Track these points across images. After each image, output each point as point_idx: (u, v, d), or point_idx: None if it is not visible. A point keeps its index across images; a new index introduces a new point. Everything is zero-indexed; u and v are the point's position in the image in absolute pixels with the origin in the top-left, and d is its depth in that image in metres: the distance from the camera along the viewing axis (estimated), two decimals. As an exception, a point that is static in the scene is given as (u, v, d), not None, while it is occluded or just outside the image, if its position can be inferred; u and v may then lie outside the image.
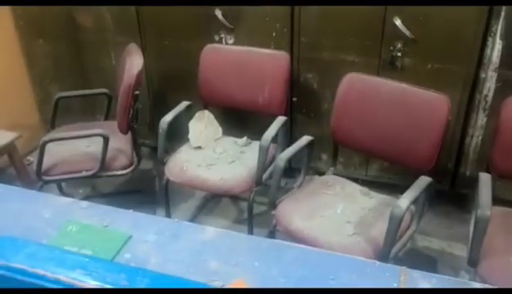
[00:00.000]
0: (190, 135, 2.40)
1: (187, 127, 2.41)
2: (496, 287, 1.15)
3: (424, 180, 1.74)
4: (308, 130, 2.43)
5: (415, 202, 1.70)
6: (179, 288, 0.79)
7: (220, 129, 2.50)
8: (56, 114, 2.58)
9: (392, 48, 2.26)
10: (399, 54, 2.26)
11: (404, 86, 1.91)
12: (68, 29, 2.85)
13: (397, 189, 1.86)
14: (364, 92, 1.99)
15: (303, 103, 2.58)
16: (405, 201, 1.62)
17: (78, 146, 2.35)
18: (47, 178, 2.24)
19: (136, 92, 2.21)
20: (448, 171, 2.45)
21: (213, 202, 2.76)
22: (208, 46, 2.45)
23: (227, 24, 2.48)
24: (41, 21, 2.91)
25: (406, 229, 1.79)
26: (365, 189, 2.03)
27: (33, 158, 2.86)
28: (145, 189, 2.87)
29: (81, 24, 2.81)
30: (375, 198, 1.98)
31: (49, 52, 3.00)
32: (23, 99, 3.16)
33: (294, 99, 2.57)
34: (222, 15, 2.47)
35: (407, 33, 2.18)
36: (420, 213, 1.81)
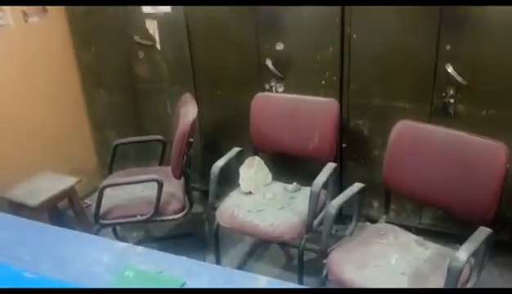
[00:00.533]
0: (241, 181, 2.44)
1: (238, 173, 2.45)
2: None
3: (483, 231, 1.67)
4: (358, 176, 2.41)
5: (474, 254, 1.62)
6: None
7: (270, 175, 2.53)
8: (113, 160, 2.71)
9: (444, 94, 2.24)
10: (451, 100, 2.23)
11: (458, 133, 1.88)
12: (127, 79, 3.03)
13: (453, 239, 1.80)
14: (416, 140, 1.97)
15: (353, 149, 2.57)
16: (464, 253, 1.55)
17: (133, 191, 2.44)
18: (104, 222, 2.32)
19: (191, 140, 2.29)
20: (508, 220, 2.33)
21: (262, 248, 2.76)
22: (259, 95, 2.52)
23: (277, 73, 2.55)
24: (102, 72, 3.12)
25: (466, 283, 1.71)
26: (420, 239, 1.96)
27: (90, 202, 2.99)
28: (195, 232, 2.91)
29: (139, 75, 2.98)
30: (431, 249, 1.91)
31: (108, 101, 3.18)
32: (83, 144, 3.34)
33: (344, 145, 2.57)
34: (273, 64, 2.55)
35: (459, 79, 2.16)
36: (480, 266, 1.73)
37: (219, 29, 2.63)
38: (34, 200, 2.54)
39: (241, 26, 2.55)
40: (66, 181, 2.74)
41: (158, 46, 2.84)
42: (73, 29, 3.09)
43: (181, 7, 2.65)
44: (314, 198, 2.07)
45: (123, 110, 3.16)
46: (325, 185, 2.16)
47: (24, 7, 2.84)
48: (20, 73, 2.84)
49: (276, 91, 2.61)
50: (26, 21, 2.87)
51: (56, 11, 3.01)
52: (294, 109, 2.44)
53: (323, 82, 2.48)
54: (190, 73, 2.82)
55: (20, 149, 2.85)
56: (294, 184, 2.44)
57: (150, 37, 2.82)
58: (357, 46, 2.34)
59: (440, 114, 2.27)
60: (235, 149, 2.47)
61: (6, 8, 2.74)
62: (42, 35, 2.95)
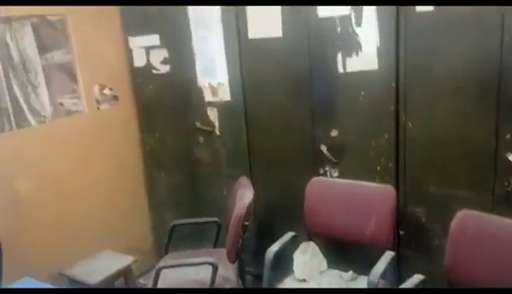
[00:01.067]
0: (295, 267, 2.40)
1: (292, 258, 2.43)
2: None
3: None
4: (418, 266, 2.31)
5: None
6: None
7: (325, 261, 2.48)
8: (170, 240, 2.76)
9: (506, 183, 2.18)
10: (515, 189, 2.16)
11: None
12: (186, 163, 3.18)
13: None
14: (480, 231, 1.90)
15: (411, 237, 2.50)
16: None
17: (187, 273, 2.46)
18: (159, 303, 2.34)
19: (246, 223, 2.32)
20: None
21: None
22: (314, 179, 2.55)
23: (332, 158, 2.60)
24: (164, 156, 3.29)
25: None
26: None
27: (145, 281, 3.03)
28: (246, 319, 2.84)
29: (198, 158, 3.12)
30: None
31: (168, 182, 3.32)
32: (141, 224, 3.45)
33: (401, 232, 2.50)
34: (327, 149, 2.60)
35: (523, 168, 2.10)
36: None
37: (276, 116, 2.74)
38: (93, 279, 2.62)
39: (297, 112, 2.66)
40: (123, 261, 2.82)
41: (217, 131, 2.99)
42: (139, 116, 3.33)
43: (241, 96, 2.82)
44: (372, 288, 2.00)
45: (181, 192, 3.28)
46: (383, 275, 2.09)
47: (98, 95, 3.13)
48: (86, 153, 3.05)
49: (331, 176, 2.64)
50: (98, 108, 3.14)
51: (126, 99, 3.28)
52: (350, 194, 2.44)
53: (378, 168, 2.49)
54: (246, 157, 2.92)
55: (80, 227, 2.99)
56: (350, 272, 2.37)
57: (211, 124, 2.99)
58: (413, 133, 2.36)
59: (503, 204, 2.19)
60: (290, 234, 2.47)
61: (82, 95, 3.02)
62: (111, 120, 3.19)
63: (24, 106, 2.74)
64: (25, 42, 2.72)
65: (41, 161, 2.79)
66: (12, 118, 2.68)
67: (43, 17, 2.87)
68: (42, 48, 2.83)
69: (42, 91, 2.83)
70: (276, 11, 2.55)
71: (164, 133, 3.25)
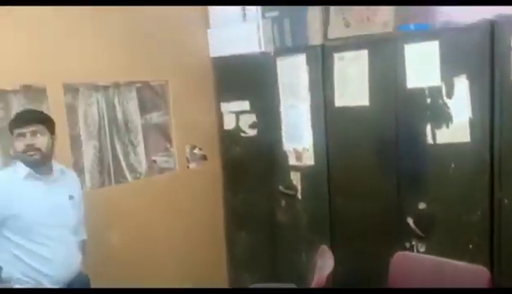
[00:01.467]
0: None
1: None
2: None
3: None
4: None
5: None
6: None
7: (408, 343, 2.31)
8: (247, 304, 2.76)
9: None
10: None
11: None
12: (267, 225, 3.21)
13: None
14: None
15: (508, 326, 2.26)
16: None
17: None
18: None
19: None
20: None
21: None
22: (399, 254, 2.43)
23: (419, 232, 2.48)
24: (246, 217, 3.35)
25: None
26: None
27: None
28: None
29: (279, 222, 3.14)
30: None
31: (248, 243, 3.36)
32: (218, 282, 3.48)
33: (497, 320, 2.28)
34: (414, 222, 2.50)
35: None
36: None
37: (360, 184, 2.71)
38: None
39: (382, 182, 2.61)
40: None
41: (299, 196, 3.00)
42: (225, 176, 3.46)
43: (325, 162, 2.83)
44: None
45: (260, 253, 3.29)
46: None
47: (188, 155, 3.31)
48: (175, 208, 3.19)
49: (418, 251, 2.51)
50: (188, 167, 3.32)
51: (214, 160, 3.44)
52: (438, 273, 2.29)
53: (470, 247, 2.33)
54: (327, 223, 2.88)
55: (161, 276, 3.08)
56: None
57: (293, 188, 3.02)
58: (510, 210, 2.20)
59: None
60: (371, 309, 2.35)
61: (175, 154, 3.22)
62: (198, 179, 3.34)
63: (124, 163, 2.98)
64: (130, 105, 3.00)
65: (134, 213, 2.96)
66: (112, 173, 2.92)
67: (147, 83, 3.17)
68: (143, 110, 3.10)
69: (141, 149, 3.07)
70: (363, 80, 2.59)
71: (248, 194, 3.33)
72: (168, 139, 3.47)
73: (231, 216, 3.47)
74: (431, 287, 2.11)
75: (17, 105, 2.47)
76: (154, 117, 3.32)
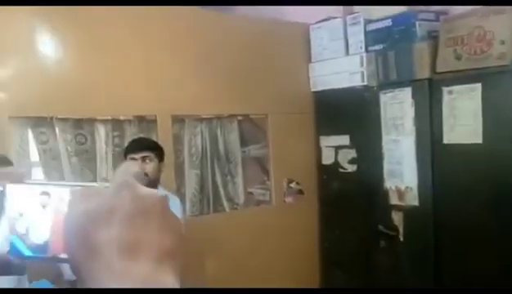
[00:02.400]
0: None
1: None
2: None
3: None
4: None
5: None
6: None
7: None
8: None
9: None
10: None
11: None
12: (364, 265, 3.05)
13: None
14: None
15: None
16: None
17: None
18: None
19: None
20: None
21: None
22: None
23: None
24: (341, 254, 3.22)
25: None
26: None
27: None
28: None
29: (377, 263, 2.97)
30: None
31: (343, 282, 3.20)
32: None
33: None
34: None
35: None
36: None
37: (472, 230, 2.47)
38: None
39: (500, 231, 2.35)
40: None
41: (401, 237, 2.82)
42: (322, 212, 3.38)
43: (430, 203, 2.64)
44: None
45: None
46: None
47: (285, 188, 3.30)
48: (269, 240, 3.16)
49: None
50: (284, 201, 3.29)
51: (310, 195, 3.38)
52: None
53: None
54: (431, 270, 2.66)
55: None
56: None
57: (394, 228, 2.85)
58: None
59: None
60: None
61: (272, 187, 3.22)
62: (294, 213, 3.30)
63: (222, 193, 3.05)
64: (231, 137, 3.09)
65: (229, 242, 2.99)
66: (211, 202, 3.00)
67: (247, 116, 3.25)
68: (243, 142, 3.18)
69: (239, 180, 3.12)
70: (476, 115, 2.41)
71: (345, 232, 3.21)
72: (266, 172, 3.50)
73: (327, 252, 3.36)
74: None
75: (130, 134, 2.66)
76: (253, 149, 3.39)
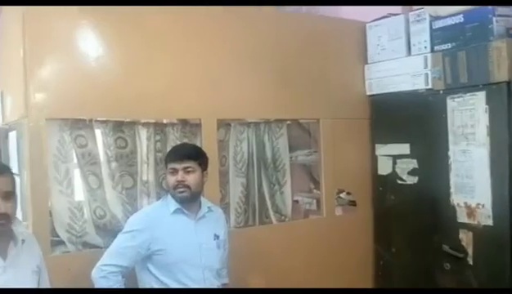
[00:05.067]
0: None
1: None
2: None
3: None
4: None
5: None
6: None
7: None
8: None
9: None
10: None
11: None
12: (425, 287, 2.74)
13: None
14: None
15: None
16: None
17: None
18: None
19: None
20: None
21: None
22: None
23: None
24: (399, 275, 2.94)
25: None
26: None
27: None
28: None
29: (440, 285, 2.66)
30: None
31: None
32: None
33: None
34: None
35: None
36: None
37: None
38: None
39: None
40: None
41: (470, 260, 2.50)
42: (376, 226, 3.09)
43: (507, 224, 2.32)
44: None
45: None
46: None
47: (335, 199, 3.03)
48: (316, 255, 2.89)
49: None
50: (334, 212, 3.03)
51: (363, 207, 3.10)
52: None
53: None
54: (507, 299, 2.34)
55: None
56: None
57: (462, 249, 2.53)
58: None
59: None
60: None
61: (322, 197, 2.95)
62: (345, 225, 3.02)
63: (269, 203, 2.83)
64: (280, 143, 2.86)
65: (275, 257, 2.75)
66: (257, 213, 2.78)
67: (296, 121, 3.02)
68: (289, 148, 2.94)
69: (287, 190, 2.89)
70: None
71: (403, 249, 2.91)
72: (313, 179, 3.26)
73: (382, 271, 3.06)
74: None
75: (173, 138, 2.49)
76: (300, 156, 3.16)
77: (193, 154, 2.14)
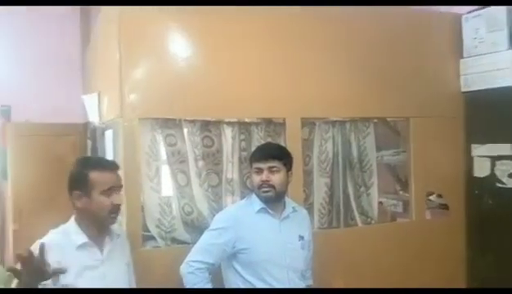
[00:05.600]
0: None
1: None
2: None
3: None
4: None
5: None
6: None
7: None
8: None
9: None
10: None
11: None
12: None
13: None
14: None
15: None
16: None
17: None
18: None
19: None
20: None
21: None
22: None
23: None
24: (495, 284, 2.70)
25: None
26: None
27: None
28: None
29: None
30: None
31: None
32: None
33: None
34: None
35: None
36: None
37: None
38: None
39: None
40: None
41: None
42: (470, 232, 2.88)
43: None
44: None
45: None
46: None
47: (424, 201, 2.85)
48: (401, 263, 2.74)
49: None
50: (422, 215, 2.86)
51: (456, 211, 2.90)
52: None
53: None
54: None
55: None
56: None
57: None
58: None
59: None
60: None
61: (412, 201, 2.80)
62: (435, 230, 2.85)
63: (354, 205, 2.74)
64: (366, 143, 2.76)
65: (360, 262, 2.66)
66: (342, 215, 2.70)
67: (383, 119, 2.89)
68: (376, 148, 2.83)
69: (373, 191, 2.78)
70: None
71: (501, 258, 2.69)
72: (399, 180, 3.11)
73: (476, 281, 2.85)
74: None
75: (257, 137, 2.49)
76: (386, 155, 3.03)
77: (278, 154, 2.12)
